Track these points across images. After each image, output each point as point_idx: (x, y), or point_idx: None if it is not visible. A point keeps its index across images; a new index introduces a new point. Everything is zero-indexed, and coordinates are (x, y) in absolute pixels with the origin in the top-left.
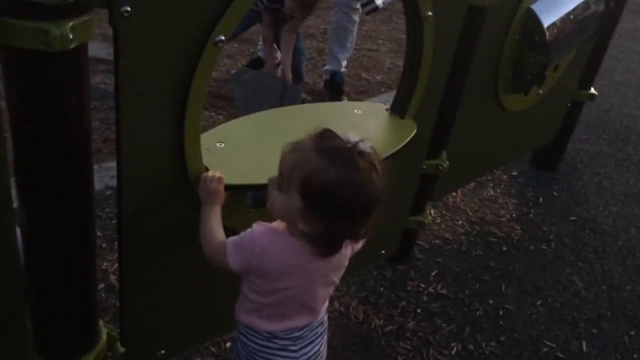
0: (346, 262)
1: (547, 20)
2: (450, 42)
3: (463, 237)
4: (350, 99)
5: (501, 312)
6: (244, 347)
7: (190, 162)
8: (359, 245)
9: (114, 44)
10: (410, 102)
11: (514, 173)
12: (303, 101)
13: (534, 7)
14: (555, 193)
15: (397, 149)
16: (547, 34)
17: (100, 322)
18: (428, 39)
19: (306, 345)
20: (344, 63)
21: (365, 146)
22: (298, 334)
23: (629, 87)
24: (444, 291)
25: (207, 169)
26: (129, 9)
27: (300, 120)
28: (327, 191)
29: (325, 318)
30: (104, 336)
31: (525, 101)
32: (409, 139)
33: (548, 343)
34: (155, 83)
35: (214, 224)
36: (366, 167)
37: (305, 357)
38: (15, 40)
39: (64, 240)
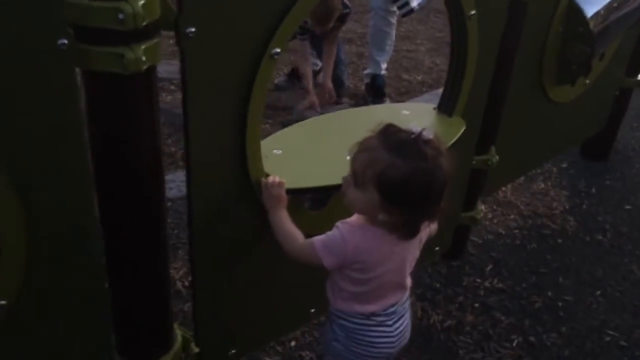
0: (425, 236)
1: (590, 10)
2: (494, 38)
3: (516, 231)
4: (393, 100)
5: (560, 304)
6: (341, 329)
7: (252, 168)
8: (435, 224)
9: (180, 62)
10: (457, 100)
11: (564, 165)
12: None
13: None
14: (608, 182)
15: (446, 146)
16: (591, 24)
17: (175, 324)
18: (472, 37)
19: (399, 319)
20: (384, 66)
21: (428, 134)
22: (392, 309)
23: None
24: (501, 285)
25: (267, 175)
26: (193, 29)
27: (351, 124)
28: (401, 184)
29: (408, 292)
30: (179, 337)
31: (571, 92)
32: (457, 136)
33: (610, 332)
34: (219, 95)
35: (288, 226)
36: (433, 154)
37: (398, 330)
38: (94, 64)
39: (140, 247)
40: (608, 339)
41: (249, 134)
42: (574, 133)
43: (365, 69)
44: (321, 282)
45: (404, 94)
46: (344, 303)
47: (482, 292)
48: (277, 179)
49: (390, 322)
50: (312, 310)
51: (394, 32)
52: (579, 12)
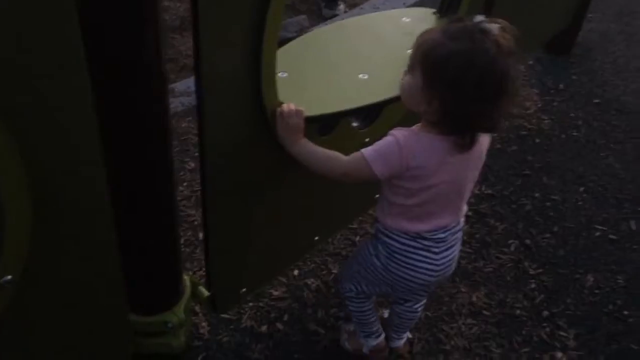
0: (484, 157)
1: None
2: None
3: (494, 134)
4: (348, 5)
5: (549, 204)
6: (384, 246)
7: (266, 94)
8: (487, 140)
9: None
10: (461, 1)
11: (530, 62)
12: (298, 14)
13: None
14: (574, 77)
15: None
16: None
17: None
18: None
19: (447, 249)
20: None
21: (490, 26)
22: (442, 235)
23: None
24: (489, 191)
25: (281, 103)
26: None
27: (353, 38)
28: (439, 62)
29: (463, 222)
30: (188, 283)
31: None
32: None
33: (599, 227)
34: (233, 13)
35: (321, 150)
36: (482, 41)
37: (443, 260)
38: None
39: (146, 187)
40: (598, 234)
41: (264, 56)
42: (549, 27)
43: None
44: (327, 209)
45: None
46: (391, 219)
47: (472, 200)
48: (293, 107)
49: (436, 250)
50: (316, 238)
51: None
52: None
